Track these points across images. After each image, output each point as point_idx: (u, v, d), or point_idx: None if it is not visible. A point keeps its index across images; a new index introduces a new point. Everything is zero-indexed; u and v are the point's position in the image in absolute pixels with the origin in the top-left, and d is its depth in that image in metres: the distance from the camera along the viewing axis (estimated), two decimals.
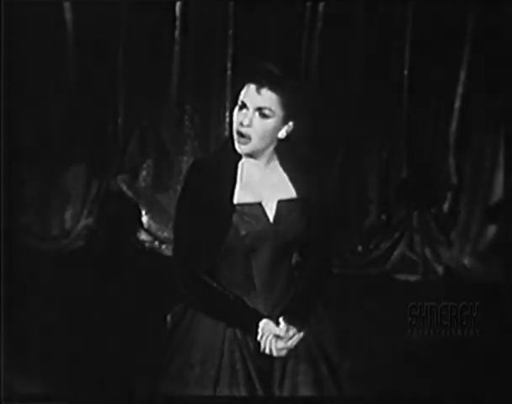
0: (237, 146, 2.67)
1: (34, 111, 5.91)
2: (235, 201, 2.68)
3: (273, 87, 2.62)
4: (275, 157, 2.75)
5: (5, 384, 3.48)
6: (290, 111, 2.66)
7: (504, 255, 5.90)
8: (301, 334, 2.64)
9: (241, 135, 2.64)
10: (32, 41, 5.68)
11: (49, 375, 3.97)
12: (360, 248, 6.24)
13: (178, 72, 6.01)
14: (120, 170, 6.19)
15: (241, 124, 2.63)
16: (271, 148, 2.71)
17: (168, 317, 2.84)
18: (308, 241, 2.78)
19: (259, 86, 2.62)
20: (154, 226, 6.23)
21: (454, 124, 6.11)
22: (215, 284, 2.71)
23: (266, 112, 2.63)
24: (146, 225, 6.24)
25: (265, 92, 2.62)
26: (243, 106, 2.64)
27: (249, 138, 2.64)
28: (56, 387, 3.87)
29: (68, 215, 6.21)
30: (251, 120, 2.62)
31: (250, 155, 2.69)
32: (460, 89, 6.03)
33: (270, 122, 2.64)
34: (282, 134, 2.69)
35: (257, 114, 2.63)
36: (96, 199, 6.20)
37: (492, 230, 6.12)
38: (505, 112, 5.95)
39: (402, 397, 3.42)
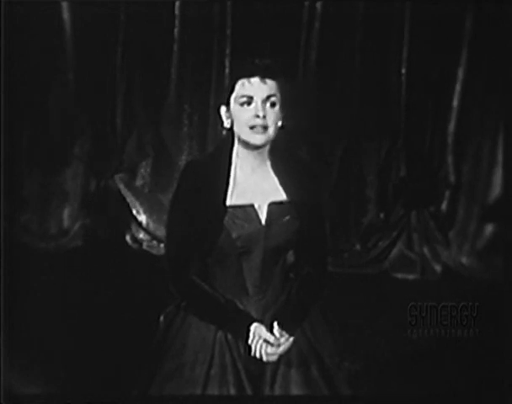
0: (252, 139, 2.67)
1: (33, 110, 5.91)
2: (227, 203, 2.68)
3: (273, 76, 2.68)
4: (268, 158, 2.77)
5: (5, 384, 3.47)
6: (286, 97, 2.71)
7: (503, 253, 5.89)
8: (292, 339, 2.63)
9: (255, 127, 2.66)
10: (31, 41, 5.69)
11: (49, 375, 3.97)
12: (358, 247, 6.24)
13: (176, 71, 6.01)
14: (118, 169, 6.19)
15: (256, 116, 2.65)
16: (269, 145, 2.74)
17: (161, 318, 2.85)
18: (302, 242, 2.78)
19: (262, 76, 2.67)
20: (152, 225, 6.24)
21: (452, 123, 6.11)
22: (206, 287, 2.72)
23: (274, 99, 2.68)
24: (144, 225, 6.23)
25: (269, 81, 2.67)
26: (250, 100, 2.67)
27: (266, 128, 2.66)
28: (56, 387, 3.87)
29: (66, 214, 6.21)
30: (264, 111, 2.65)
31: (261, 147, 2.70)
32: (458, 88, 6.03)
33: (277, 109, 2.69)
34: (280, 121, 2.73)
35: (266, 104, 2.66)
36: (94, 198, 6.20)
37: (490, 228, 6.13)
38: (504, 110, 5.95)
39: (401, 397, 3.41)
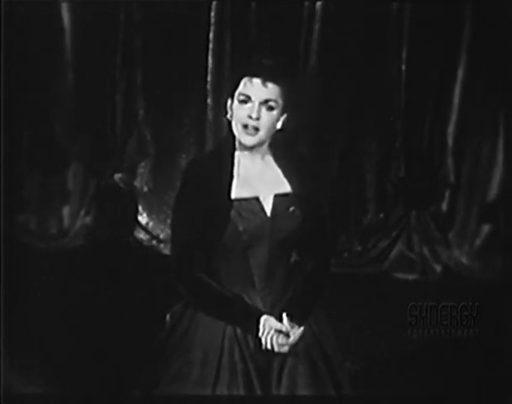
0: (242, 138, 2.71)
1: (33, 110, 5.91)
2: (232, 197, 2.71)
3: (276, 80, 2.69)
4: (269, 152, 2.80)
5: (5, 384, 3.47)
6: (288, 101, 2.73)
7: (503, 253, 5.90)
8: (302, 328, 2.64)
9: (248, 127, 2.68)
10: (31, 41, 5.68)
11: (49, 375, 3.96)
12: (358, 247, 6.24)
13: (176, 71, 6.01)
14: (118, 169, 6.18)
15: (249, 117, 2.68)
16: (268, 141, 2.77)
17: (168, 317, 2.85)
18: (305, 238, 2.79)
19: (264, 79, 2.68)
20: (152, 225, 6.23)
21: (452, 123, 6.10)
22: (213, 283, 2.73)
23: (272, 104, 2.70)
24: (144, 224, 6.23)
25: (271, 84, 2.69)
26: (248, 99, 2.69)
27: (257, 130, 2.68)
28: (56, 387, 3.86)
29: (66, 213, 6.20)
30: (259, 113, 2.67)
31: (252, 147, 2.73)
32: (458, 88, 6.03)
33: (275, 114, 2.71)
34: (279, 124, 2.75)
35: (263, 107, 2.68)
36: (94, 198, 6.19)
37: (490, 228, 6.12)
38: (504, 110, 5.96)
39: (401, 397, 3.41)
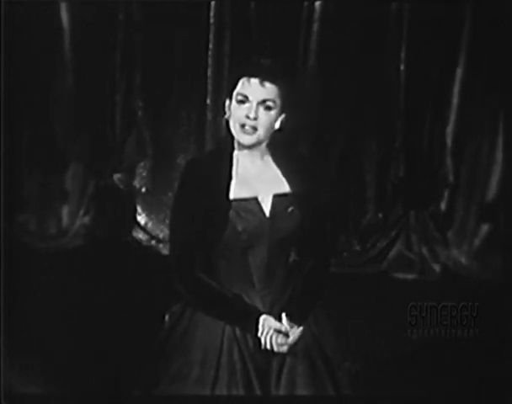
0: (241, 138, 2.72)
1: (33, 110, 5.91)
2: (231, 197, 2.71)
3: (274, 80, 2.69)
4: (268, 152, 2.80)
5: (5, 384, 3.47)
6: (286, 101, 2.73)
7: (502, 253, 5.90)
8: (301, 328, 2.65)
9: (245, 127, 2.69)
10: (31, 41, 5.69)
11: (49, 375, 3.96)
12: (357, 247, 6.24)
13: (175, 71, 6.01)
14: (117, 169, 6.18)
15: (247, 117, 2.68)
16: (267, 141, 2.77)
17: (166, 317, 2.85)
18: (304, 238, 2.80)
19: (262, 79, 2.69)
20: (151, 225, 6.23)
21: (451, 123, 6.10)
22: (213, 283, 2.73)
23: (270, 104, 2.70)
24: (142, 224, 6.23)
25: (268, 84, 2.69)
26: (245, 99, 2.69)
27: (255, 129, 2.69)
28: (56, 387, 3.86)
29: (65, 213, 6.20)
30: (256, 113, 2.67)
31: (251, 147, 2.73)
32: (457, 88, 6.03)
33: (273, 114, 2.71)
34: (277, 124, 2.75)
35: (261, 107, 2.69)
36: (93, 198, 6.19)
37: (489, 228, 6.12)
38: (503, 110, 5.96)
39: (401, 397, 3.41)
